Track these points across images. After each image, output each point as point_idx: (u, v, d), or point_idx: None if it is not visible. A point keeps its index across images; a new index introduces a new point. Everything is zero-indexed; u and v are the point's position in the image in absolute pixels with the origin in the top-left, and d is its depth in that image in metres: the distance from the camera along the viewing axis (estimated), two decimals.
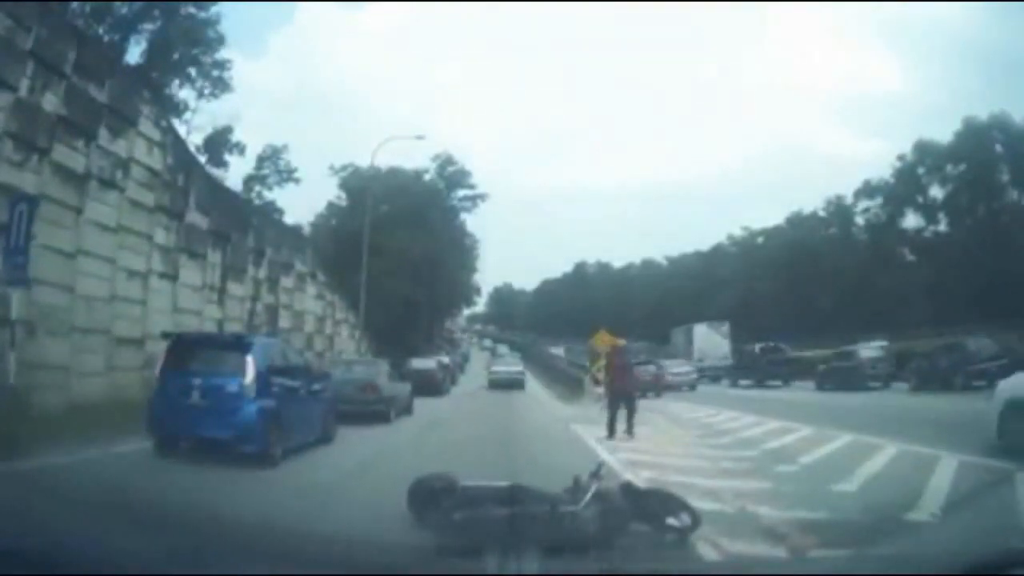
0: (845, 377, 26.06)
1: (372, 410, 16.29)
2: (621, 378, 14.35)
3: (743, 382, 32.99)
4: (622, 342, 19.33)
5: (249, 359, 10.06)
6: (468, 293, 69.33)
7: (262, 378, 10.11)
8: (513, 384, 33.61)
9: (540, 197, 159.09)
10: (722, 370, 37.04)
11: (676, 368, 33.71)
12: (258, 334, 19.40)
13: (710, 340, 40.14)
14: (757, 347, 33.82)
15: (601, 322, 31.54)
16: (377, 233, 37.28)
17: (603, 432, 13.61)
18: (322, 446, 11.94)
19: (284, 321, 27.56)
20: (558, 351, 54.12)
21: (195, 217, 19.96)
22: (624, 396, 13.86)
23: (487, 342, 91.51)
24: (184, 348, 10.77)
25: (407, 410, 19.07)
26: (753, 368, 32.72)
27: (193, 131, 36.12)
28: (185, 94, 35.90)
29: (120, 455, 10.06)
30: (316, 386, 12.66)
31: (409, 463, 9.31)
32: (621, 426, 13.63)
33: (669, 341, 49.54)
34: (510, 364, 38.69)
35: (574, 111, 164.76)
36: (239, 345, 10.77)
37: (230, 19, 56.99)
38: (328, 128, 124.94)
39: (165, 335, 12.01)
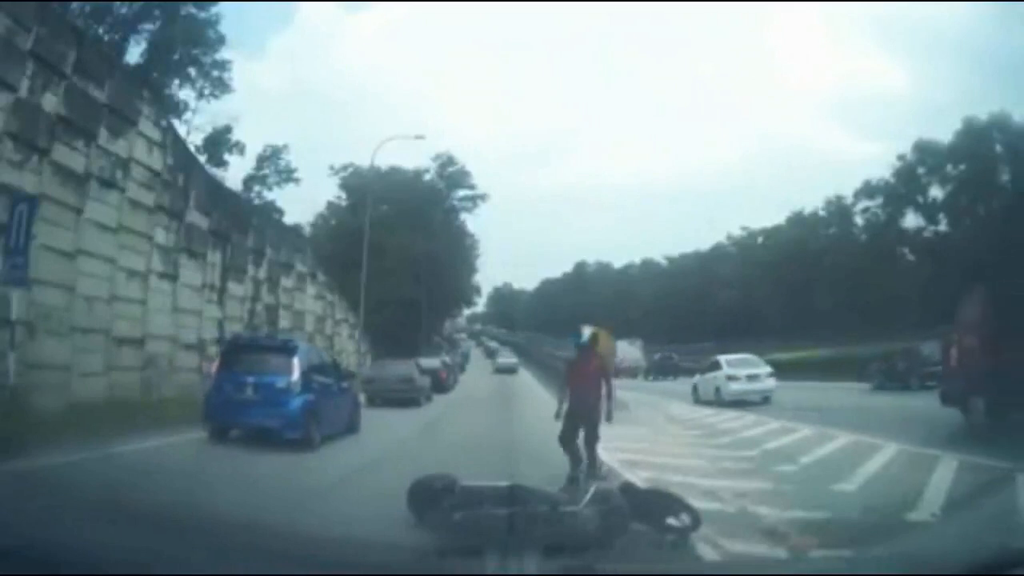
0: None
1: (409, 396, 22.03)
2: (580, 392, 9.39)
3: (650, 378, 44.75)
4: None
5: (295, 360, 11.89)
6: (468, 293, 69.35)
7: (305, 376, 11.88)
8: (511, 370, 47.39)
9: (540, 197, 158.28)
10: (637, 371, 50.57)
11: None
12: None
13: (628, 351, 51.73)
14: (657, 356, 48.74)
15: (601, 322, 31.72)
16: (377, 233, 37.27)
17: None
18: (350, 435, 13.65)
19: (284, 321, 27.44)
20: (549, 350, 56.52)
21: (195, 217, 19.91)
22: (583, 416, 9.15)
23: (484, 341, 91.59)
24: (236, 351, 12.65)
25: (428, 398, 24.20)
26: (653, 369, 47.14)
27: (193, 131, 36.17)
28: (185, 94, 35.94)
29: (119, 455, 10.04)
30: (345, 384, 14.58)
31: (431, 444, 12.41)
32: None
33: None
34: (508, 357, 54.54)
35: (574, 111, 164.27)
36: (285, 348, 12.57)
37: (230, 19, 56.95)
38: (328, 128, 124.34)
39: (218, 341, 14.62)
